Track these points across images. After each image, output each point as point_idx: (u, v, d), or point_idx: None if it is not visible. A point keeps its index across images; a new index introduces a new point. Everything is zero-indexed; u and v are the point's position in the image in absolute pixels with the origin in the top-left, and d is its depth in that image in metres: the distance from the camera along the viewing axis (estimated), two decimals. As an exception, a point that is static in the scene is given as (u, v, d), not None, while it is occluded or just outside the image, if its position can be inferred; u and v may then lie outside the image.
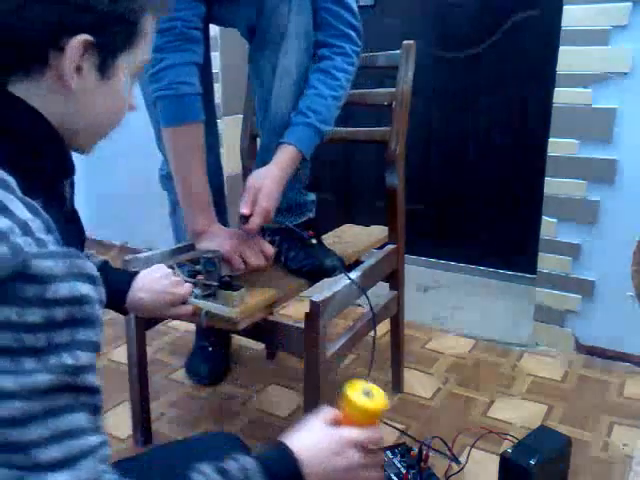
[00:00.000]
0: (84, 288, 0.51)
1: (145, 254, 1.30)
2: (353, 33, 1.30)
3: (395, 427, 1.44)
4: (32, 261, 0.48)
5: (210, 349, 1.69)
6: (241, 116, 1.64)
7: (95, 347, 0.52)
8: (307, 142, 1.24)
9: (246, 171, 1.62)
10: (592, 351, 1.77)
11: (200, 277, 1.10)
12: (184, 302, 1.03)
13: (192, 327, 1.81)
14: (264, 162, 1.27)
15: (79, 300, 0.50)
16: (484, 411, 1.52)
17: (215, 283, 1.08)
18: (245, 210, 1.13)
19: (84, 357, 0.51)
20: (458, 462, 1.31)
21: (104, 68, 0.64)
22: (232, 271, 1.18)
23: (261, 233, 1.37)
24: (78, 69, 0.61)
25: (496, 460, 1.21)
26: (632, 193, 1.63)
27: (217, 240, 1.20)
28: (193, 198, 1.22)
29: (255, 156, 1.60)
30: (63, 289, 0.49)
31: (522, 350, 1.83)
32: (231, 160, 1.62)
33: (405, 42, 1.43)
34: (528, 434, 1.25)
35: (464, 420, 1.48)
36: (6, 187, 0.53)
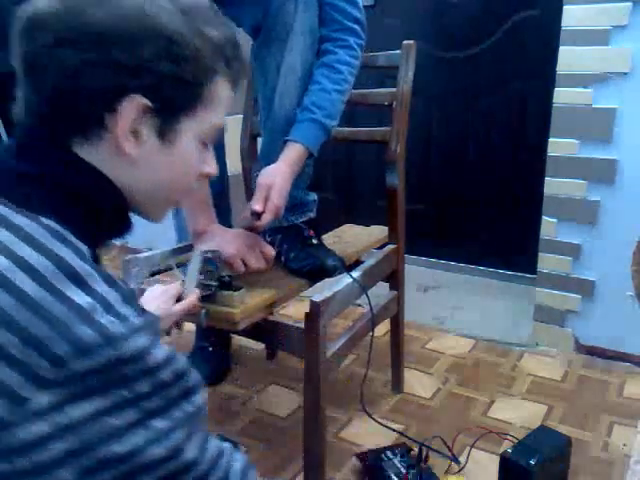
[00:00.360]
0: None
1: (145, 254, 1.30)
2: (357, 27, 1.28)
3: (395, 429, 1.45)
4: (123, 345, 0.51)
5: (210, 349, 1.69)
6: (241, 116, 1.64)
7: (202, 382, 0.59)
8: (314, 139, 1.23)
9: (246, 171, 1.62)
10: (592, 351, 1.78)
11: (200, 277, 1.10)
12: (179, 299, 1.04)
13: (192, 327, 1.81)
14: (267, 161, 1.27)
15: (174, 357, 0.55)
16: (484, 411, 1.52)
17: (215, 283, 1.08)
18: (258, 207, 1.13)
19: (199, 398, 0.58)
20: (458, 462, 1.31)
21: (165, 132, 0.62)
22: (232, 272, 1.19)
23: (261, 234, 1.37)
24: (135, 133, 0.60)
25: (496, 460, 1.21)
26: (632, 193, 1.63)
27: (217, 240, 1.20)
28: (193, 198, 1.22)
29: (255, 156, 1.60)
30: (158, 355, 0.53)
31: (522, 350, 1.83)
32: (231, 160, 1.63)
33: (405, 42, 1.43)
34: (528, 434, 1.25)
35: (464, 420, 1.48)
36: (82, 256, 0.54)
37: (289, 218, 1.32)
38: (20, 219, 0.53)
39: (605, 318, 1.74)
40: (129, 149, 0.60)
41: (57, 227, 0.55)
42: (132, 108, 0.58)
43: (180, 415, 0.55)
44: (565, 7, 1.62)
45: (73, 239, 0.55)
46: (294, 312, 1.97)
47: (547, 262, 1.79)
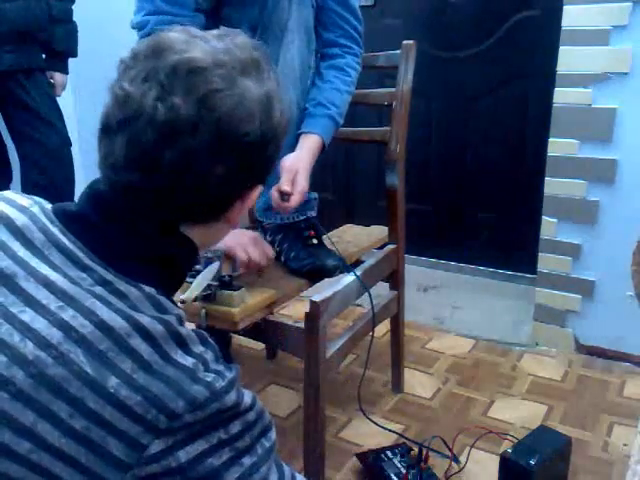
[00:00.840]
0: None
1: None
2: (357, 36, 1.34)
3: (395, 430, 1.45)
4: (225, 397, 0.59)
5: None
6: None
7: (273, 420, 0.68)
8: (328, 133, 1.28)
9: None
10: (592, 351, 1.77)
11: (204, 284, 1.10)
12: (183, 302, 1.03)
13: (192, 327, 1.81)
14: None
15: (254, 399, 0.65)
16: (484, 411, 1.52)
17: (215, 283, 1.08)
18: (288, 187, 1.17)
19: (274, 434, 0.67)
20: (458, 462, 1.31)
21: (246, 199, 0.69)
22: (234, 269, 1.19)
23: (262, 233, 1.37)
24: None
25: (496, 460, 1.21)
26: (632, 193, 1.63)
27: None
28: None
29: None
30: (247, 399, 0.63)
31: (522, 350, 1.83)
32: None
33: (405, 42, 1.43)
34: (528, 434, 1.25)
35: (464, 420, 1.48)
36: (180, 321, 0.62)
37: (289, 215, 1.32)
38: (126, 287, 0.60)
39: (605, 318, 1.74)
40: (237, 222, 0.70)
41: (155, 294, 0.62)
42: (255, 195, 0.68)
43: (262, 451, 0.64)
44: (565, 7, 1.62)
45: (169, 304, 0.63)
46: (294, 312, 1.97)
47: (547, 262, 1.79)
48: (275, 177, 1.29)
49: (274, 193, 1.19)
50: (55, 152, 1.99)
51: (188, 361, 0.59)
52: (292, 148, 1.26)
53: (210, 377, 0.59)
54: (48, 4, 1.96)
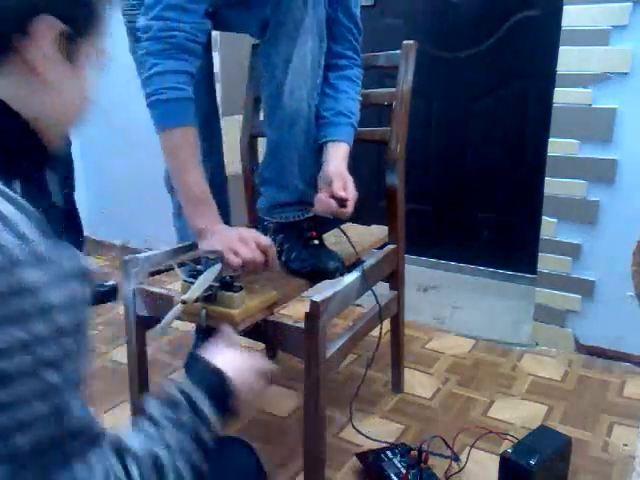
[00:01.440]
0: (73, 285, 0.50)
1: (145, 254, 1.30)
2: (359, 47, 1.40)
3: (395, 430, 1.45)
4: (22, 272, 0.46)
5: (210, 349, 1.68)
6: (241, 116, 1.64)
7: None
8: (351, 140, 1.34)
9: (246, 171, 1.62)
10: (592, 351, 1.78)
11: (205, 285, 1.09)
12: (184, 302, 1.03)
13: (192, 327, 1.81)
14: (275, 159, 1.32)
15: (76, 304, 0.51)
16: (484, 411, 1.53)
17: (216, 284, 1.08)
18: (344, 193, 1.21)
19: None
20: (459, 461, 1.31)
21: (71, 54, 0.59)
22: (234, 271, 1.18)
23: (263, 233, 1.37)
24: (46, 55, 0.57)
25: (496, 460, 1.21)
26: (632, 193, 1.63)
27: (215, 238, 1.19)
28: (192, 197, 1.22)
29: (254, 156, 1.60)
30: (59, 297, 0.49)
31: (522, 350, 1.83)
32: (231, 160, 1.63)
33: (405, 42, 1.43)
34: (528, 434, 1.25)
35: (464, 420, 1.48)
36: None
37: (294, 213, 1.32)
38: None
39: (605, 318, 1.74)
40: (42, 71, 0.57)
41: None
42: (45, 29, 0.55)
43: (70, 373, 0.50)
44: (565, 7, 1.62)
45: None
46: (294, 312, 1.97)
47: (547, 262, 1.79)
48: (289, 177, 1.31)
49: (329, 200, 1.22)
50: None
51: None
52: (299, 143, 1.30)
53: (8, 238, 0.46)
54: None
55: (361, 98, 1.39)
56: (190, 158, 1.19)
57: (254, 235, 1.17)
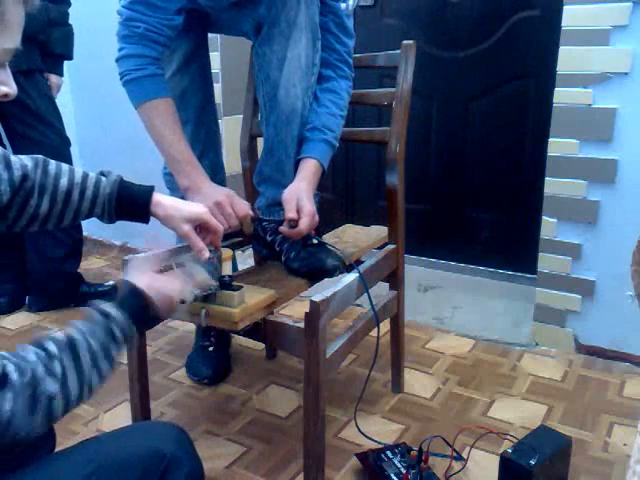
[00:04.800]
0: None
1: (145, 254, 1.30)
2: (349, 58, 1.39)
3: (394, 430, 1.45)
4: None
5: (210, 349, 1.69)
6: (241, 116, 1.64)
7: None
8: (326, 157, 1.34)
9: (246, 171, 1.62)
10: (592, 351, 1.77)
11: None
12: (183, 301, 1.03)
13: (192, 327, 1.81)
14: (272, 156, 1.33)
15: None
16: (484, 411, 1.52)
17: (215, 283, 1.08)
18: (292, 214, 1.22)
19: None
20: (462, 459, 1.31)
21: None
22: (234, 268, 1.19)
23: (263, 233, 1.37)
24: None
25: (496, 460, 1.21)
26: (632, 193, 1.63)
27: (199, 197, 1.23)
28: (175, 158, 1.26)
29: (255, 156, 1.60)
30: None
31: (522, 350, 1.83)
32: (231, 160, 1.63)
33: (405, 42, 1.43)
34: (528, 434, 1.25)
35: (464, 420, 1.48)
36: None
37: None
38: None
39: (605, 318, 1.74)
40: None
41: None
42: None
43: None
44: (565, 7, 1.61)
45: None
46: (294, 312, 1.97)
47: (547, 262, 1.79)
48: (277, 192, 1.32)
49: (283, 226, 1.24)
50: (54, 152, 1.99)
51: None
52: (296, 139, 1.31)
53: None
54: (46, 7, 1.96)
55: (343, 112, 1.37)
56: (165, 124, 1.25)
57: (232, 201, 1.23)
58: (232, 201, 1.23)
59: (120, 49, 1.23)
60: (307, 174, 1.29)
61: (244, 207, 1.24)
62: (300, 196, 1.24)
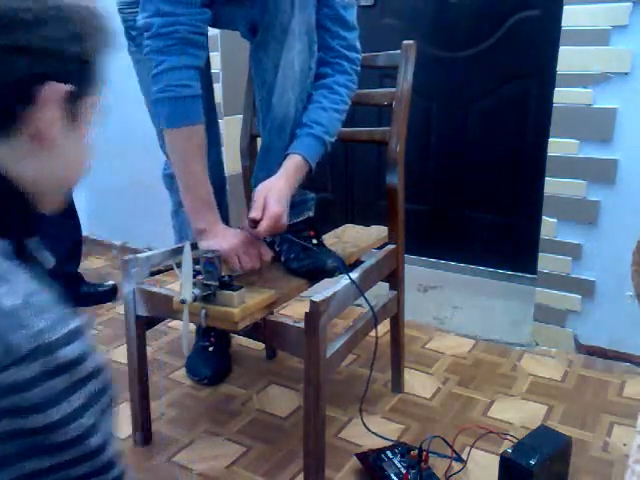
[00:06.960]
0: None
1: (145, 254, 1.30)
2: (352, 54, 1.33)
3: (395, 430, 1.44)
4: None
5: (210, 349, 1.69)
6: (241, 116, 1.64)
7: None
8: (312, 151, 1.26)
9: (246, 171, 1.62)
10: (592, 351, 1.77)
11: (200, 277, 1.10)
12: (183, 302, 1.04)
13: (192, 327, 1.81)
14: (266, 162, 1.30)
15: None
16: (484, 411, 1.52)
17: (215, 283, 1.08)
18: (254, 214, 1.15)
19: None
20: (461, 460, 1.31)
21: (74, 113, 0.58)
22: (233, 271, 1.19)
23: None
24: (52, 120, 0.56)
25: (496, 460, 1.21)
26: (632, 193, 1.63)
27: (218, 239, 1.20)
28: (196, 197, 1.23)
29: (254, 156, 1.60)
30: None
31: (522, 350, 1.83)
32: (231, 160, 1.63)
33: (405, 42, 1.43)
34: (528, 434, 1.25)
35: (464, 420, 1.48)
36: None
37: (290, 214, 1.32)
38: None
39: (605, 318, 1.74)
40: (50, 137, 0.56)
41: None
42: (50, 95, 0.54)
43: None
44: (565, 7, 1.62)
45: None
46: (294, 312, 1.97)
47: (547, 262, 1.79)
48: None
49: (245, 221, 1.19)
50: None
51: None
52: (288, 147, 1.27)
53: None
54: None
55: (339, 106, 1.30)
56: (195, 158, 1.20)
57: (258, 243, 1.23)
58: (258, 250, 1.23)
59: (159, 63, 1.14)
60: (286, 171, 1.22)
61: (268, 255, 1.24)
62: (269, 194, 1.16)
